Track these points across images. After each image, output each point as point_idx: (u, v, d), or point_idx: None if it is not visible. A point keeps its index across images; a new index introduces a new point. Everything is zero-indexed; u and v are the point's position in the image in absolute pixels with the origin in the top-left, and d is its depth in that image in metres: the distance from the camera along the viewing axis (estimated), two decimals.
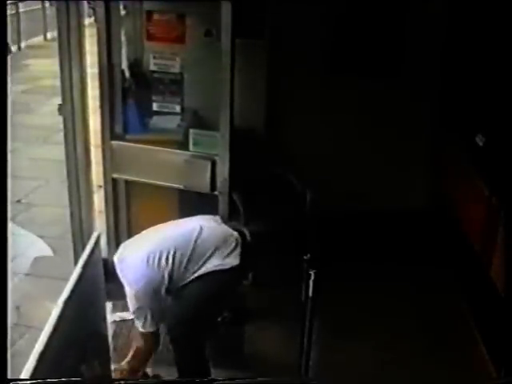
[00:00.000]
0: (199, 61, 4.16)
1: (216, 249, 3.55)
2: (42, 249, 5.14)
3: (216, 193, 4.07)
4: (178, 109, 4.23)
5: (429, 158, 5.33)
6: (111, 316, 4.10)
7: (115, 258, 3.57)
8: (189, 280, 3.52)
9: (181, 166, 4.10)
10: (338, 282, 4.39)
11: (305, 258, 3.53)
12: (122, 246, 3.69)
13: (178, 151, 4.13)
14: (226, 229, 3.72)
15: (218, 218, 3.85)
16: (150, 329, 3.51)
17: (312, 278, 3.38)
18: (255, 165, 4.61)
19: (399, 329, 4.23)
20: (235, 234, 3.66)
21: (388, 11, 4.93)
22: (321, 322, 3.71)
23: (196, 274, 3.52)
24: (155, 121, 4.28)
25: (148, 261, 3.47)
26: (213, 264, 3.52)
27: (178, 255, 3.49)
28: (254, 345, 4.17)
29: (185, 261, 3.49)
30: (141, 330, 3.54)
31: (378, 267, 4.77)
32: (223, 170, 4.02)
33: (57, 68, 4.01)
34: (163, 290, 3.49)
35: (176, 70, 4.15)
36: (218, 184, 4.04)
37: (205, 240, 3.56)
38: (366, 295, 4.50)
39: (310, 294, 3.40)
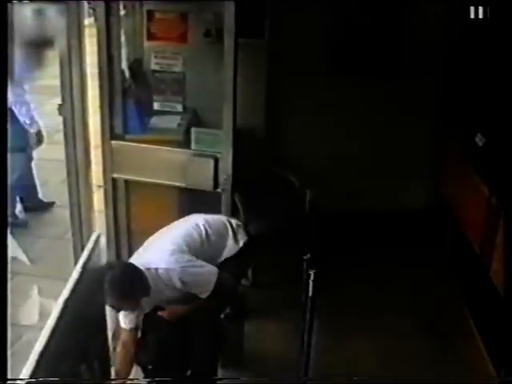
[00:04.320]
0: (201, 60, 4.17)
1: (227, 231, 3.63)
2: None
3: (219, 190, 4.08)
4: (179, 108, 4.23)
5: (429, 158, 5.33)
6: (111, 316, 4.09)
7: (139, 266, 3.39)
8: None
9: (183, 165, 4.10)
10: (338, 281, 4.40)
11: (305, 258, 3.53)
12: (133, 259, 3.56)
13: (180, 150, 4.13)
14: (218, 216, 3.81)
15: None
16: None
17: (312, 277, 3.38)
18: (255, 165, 4.62)
19: (399, 329, 4.23)
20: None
21: (387, 11, 4.93)
22: (321, 322, 3.71)
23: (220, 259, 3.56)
24: (155, 121, 4.28)
25: (174, 247, 3.46)
26: (230, 245, 3.60)
27: (197, 243, 3.53)
28: (254, 344, 4.17)
29: (205, 246, 3.54)
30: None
31: (378, 267, 4.77)
32: (226, 168, 4.03)
33: (57, 68, 4.01)
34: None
35: (178, 69, 4.15)
36: (221, 181, 4.05)
37: (214, 225, 3.62)
38: (365, 295, 4.50)
39: (310, 293, 3.40)
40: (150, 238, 3.64)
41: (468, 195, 4.49)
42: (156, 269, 3.36)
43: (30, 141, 5.46)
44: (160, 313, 3.54)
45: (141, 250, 3.60)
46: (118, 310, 3.45)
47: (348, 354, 4.00)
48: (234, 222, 3.73)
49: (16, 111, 5.29)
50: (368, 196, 5.23)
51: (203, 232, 3.58)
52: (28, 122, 5.38)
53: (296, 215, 4.46)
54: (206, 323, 3.62)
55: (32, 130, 5.44)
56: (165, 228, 3.71)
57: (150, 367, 3.54)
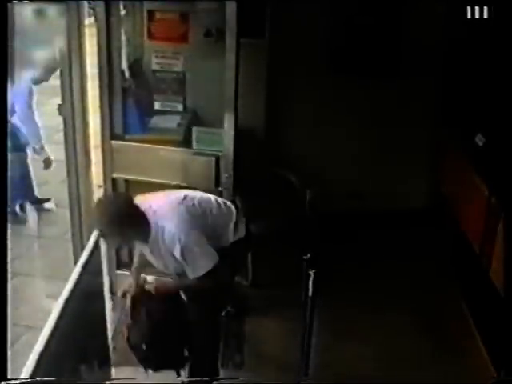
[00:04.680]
0: (202, 60, 4.16)
1: (231, 219, 3.57)
2: None
3: (220, 189, 4.08)
4: (180, 108, 4.23)
5: (429, 158, 5.33)
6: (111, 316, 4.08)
7: (142, 206, 3.32)
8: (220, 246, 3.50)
9: (184, 164, 4.10)
10: (338, 281, 4.40)
11: (305, 258, 3.53)
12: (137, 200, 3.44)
13: (181, 149, 4.14)
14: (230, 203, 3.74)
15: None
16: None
17: (312, 278, 3.38)
18: (255, 165, 4.62)
19: (399, 329, 4.23)
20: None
21: (387, 10, 4.93)
22: (321, 322, 3.71)
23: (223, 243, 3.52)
24: (155, 120, 4.28)
25: (189, 216, 3.38)
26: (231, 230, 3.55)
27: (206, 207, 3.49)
28: (254, 345, 4.17)
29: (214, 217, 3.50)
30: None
31: (378, 267, 4.77)
32: (227, 167, 4.03)
33: None
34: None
35: (179, 68, 4.15)
36: (223, 180, 4.05)
37: (225, 211, 3.57)
38: (365, 295, 4.50)
39: (310, 293, 3.40)
40: (153, 196, 3.54)
41: (468, 195, 4.50)
42: (163, 227, 3.30)
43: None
44: (147, 286, 3.52)
45: (147, 198, 3.48)
46: (110, 243, 3.43)
47: (348, 354, 4.00)
48: (240, 214, 3.68)
49: (30, 143, 5.33)
50: (368, 196, 5.23)
51: (216, 215, 3.53)
52: (37, 147, 5.42)
53: (296, 215, 4.46)
54: (206, 321, 3.62)
55: (41, 158, 5.48)
56: (176, 191, 3.64)
57: (143, 346, 3.43)
